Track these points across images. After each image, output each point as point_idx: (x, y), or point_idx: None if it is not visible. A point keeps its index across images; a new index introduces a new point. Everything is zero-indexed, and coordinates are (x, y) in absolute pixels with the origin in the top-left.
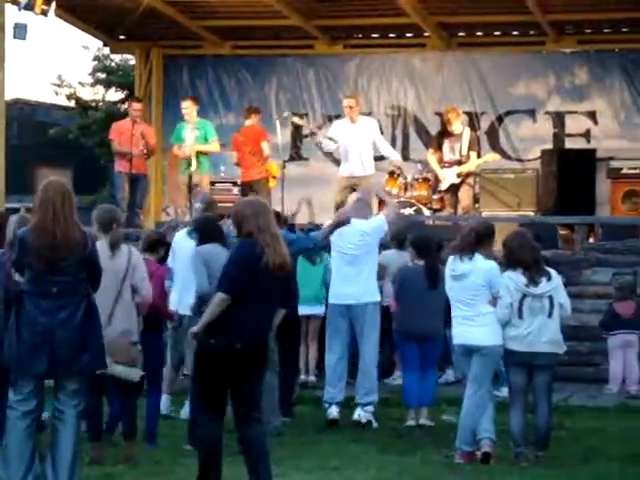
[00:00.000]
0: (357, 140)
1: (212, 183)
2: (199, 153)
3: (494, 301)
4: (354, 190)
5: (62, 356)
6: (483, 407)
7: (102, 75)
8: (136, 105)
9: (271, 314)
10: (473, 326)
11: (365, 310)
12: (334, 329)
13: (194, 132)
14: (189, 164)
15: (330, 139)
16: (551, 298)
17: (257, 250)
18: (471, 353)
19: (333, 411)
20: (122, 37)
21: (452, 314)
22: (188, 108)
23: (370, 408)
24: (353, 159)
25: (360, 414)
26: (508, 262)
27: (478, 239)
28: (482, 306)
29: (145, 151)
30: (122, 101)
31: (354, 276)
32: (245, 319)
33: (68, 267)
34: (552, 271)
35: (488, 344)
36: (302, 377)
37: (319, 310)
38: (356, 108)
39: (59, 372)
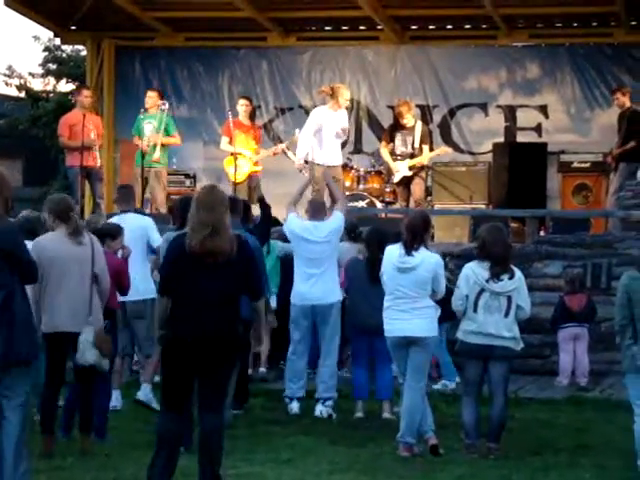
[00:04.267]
0: (336, 129)
1: None
2: (161, 145)
3: (435, 296)
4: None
5: None
6: (424, 398)
7: (53, 66)
8: (86, 92)
9: (223, 304)
10: (414, 318)
11: (329, 310)
12: (296, 328)
13: (152, 123)
14: (143, 157)
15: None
16: (510, 298)
17: (180, 240)
18: (408, 345)
19: (294, 407)
20: (73, 28)
21: (387, 306)
22: (151, 98)
23: (330, 403)
24: (331, 148)
25: (321, 410)
26: (479, 254)
27: (425, 230)
28: (425, 299)
29: (98, 142)
30: (73, 92)
31: (317, 277)
32: (186, 312)
33: None
34: (517, 271)
35: (430, 335)
36: (249, 371)
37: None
38: None
39: None
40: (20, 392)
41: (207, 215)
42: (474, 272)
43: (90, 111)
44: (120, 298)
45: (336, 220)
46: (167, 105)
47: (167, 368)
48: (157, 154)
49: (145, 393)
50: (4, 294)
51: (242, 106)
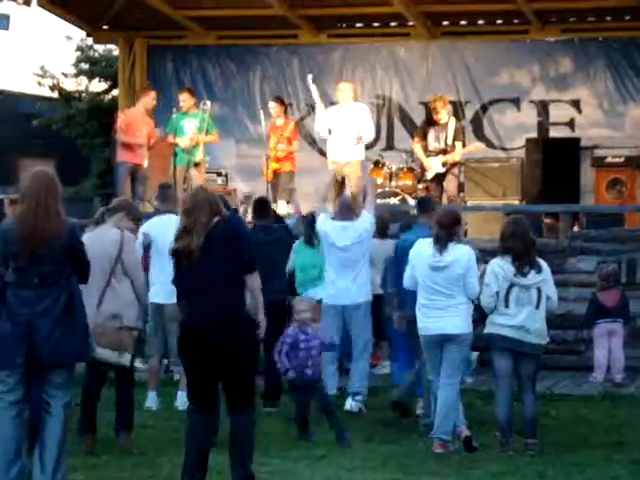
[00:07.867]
0: (346, 125)
1: None
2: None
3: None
4: (344, 183)
5: (44, 347)
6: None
7: (85, 66)
8: (154, 94)
9: (224, 298)
10: (450, 316)
11: (359, 309)
12: (326, 327)
13: (193, 123)
14: (184, 155)
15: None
16: (539, 289)
17: (177, 236)
18: (443, 343)
19: None
20: (105, 27)
21: (421, 303)
22: (185, 101)
23: (360, 397)
24: (342, 144)
25: (351, 404)
26: (499, 248)
27: (454, 225)
28: (460, 296)
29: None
30: (106, 92)
31: (350, 278)
32: (190, 307)
33: (49, 257)
34: (542, 262)
35: (466, 331)
36: None
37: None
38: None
39: (42, 363)
40: (68, 392)
41: (185, 219)
42: (502, 268)
43: (149, 114)
44: (158, 300)
45: (365, 221)
46: (209, 105)
47: (187, 365)
48: (200, 154)
49: (183, 402)
50: (68, 292)
51: (270, 109)
